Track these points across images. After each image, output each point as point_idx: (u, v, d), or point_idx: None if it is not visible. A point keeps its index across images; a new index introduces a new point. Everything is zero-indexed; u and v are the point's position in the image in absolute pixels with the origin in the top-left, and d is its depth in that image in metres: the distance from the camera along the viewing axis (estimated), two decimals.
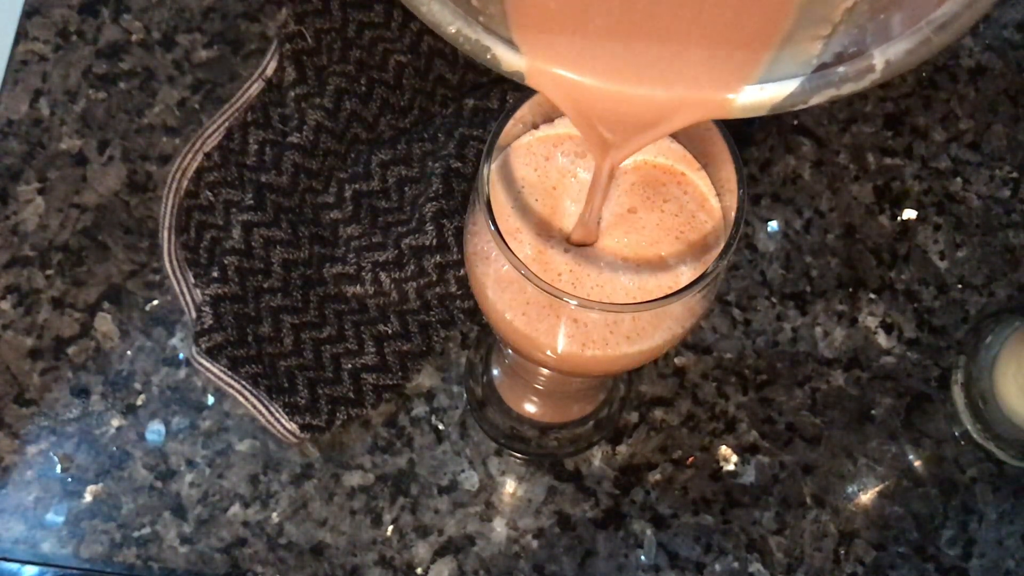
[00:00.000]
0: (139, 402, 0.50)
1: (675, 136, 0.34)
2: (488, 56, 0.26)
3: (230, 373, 0.47)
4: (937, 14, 0.22)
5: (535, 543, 0.48)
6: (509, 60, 0.26)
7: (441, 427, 0.50)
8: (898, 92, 0.57)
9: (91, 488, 0.49)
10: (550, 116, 0.34)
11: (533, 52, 0.26)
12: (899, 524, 0.49)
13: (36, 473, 0.49)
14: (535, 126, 0.35)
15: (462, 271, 0.49)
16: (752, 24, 0.24)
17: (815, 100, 0.25)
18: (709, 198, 0.34)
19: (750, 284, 0.53)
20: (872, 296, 0.53)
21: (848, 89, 0.24)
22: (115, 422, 0.50)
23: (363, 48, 0.53)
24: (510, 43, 0.26)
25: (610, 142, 0.28)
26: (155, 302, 0.52)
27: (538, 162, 0.34)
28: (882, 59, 0.23)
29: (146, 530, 0.48)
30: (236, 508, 0.48)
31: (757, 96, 0.26)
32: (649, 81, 0.26)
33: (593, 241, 0.33)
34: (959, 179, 0.55)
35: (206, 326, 0.48)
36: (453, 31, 0.26)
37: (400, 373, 0.49)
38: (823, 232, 0.54)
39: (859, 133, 0.56)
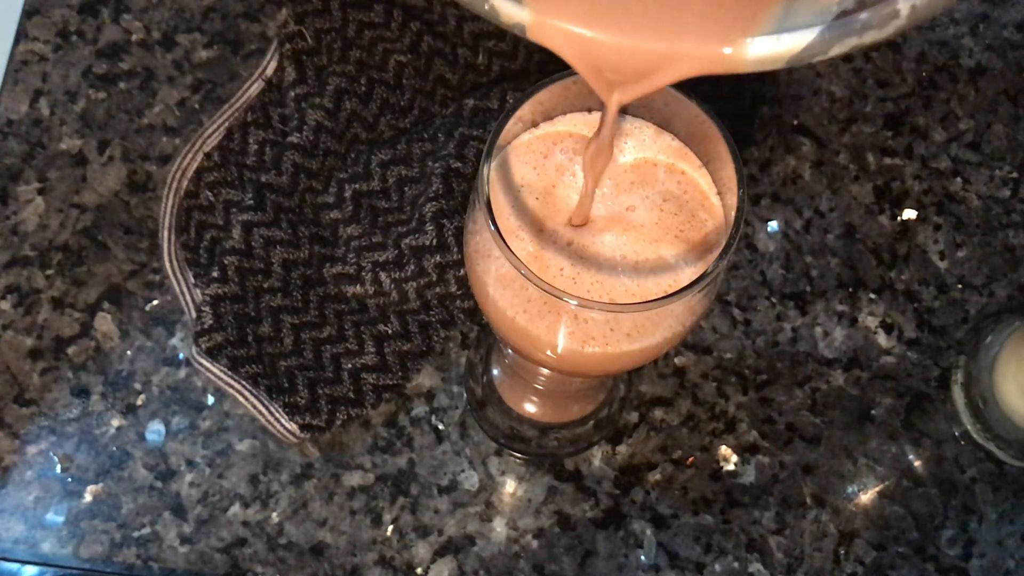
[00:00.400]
0: (139, 402, 0.50)
1: (675, 133, 0.34)
2: (486, 7, 0.25)
3: (230, 373, 0.47)
4: None
5: (535, 543, 0.48)
6: (509, 11, 0.25)
7: (441, 427, 0.50)
8: (898, 92, 0.57)
9: (91, 488, 0.49)
10: (550, 114, 0.34)
11: (537, 4, 0.25)
12: (899, 524, 0.49)
13: (36, 473, 0.49)
14: (535, 124, 0.35)
15: (462, 271, 0.49)
16: None
17: (836, 50, 0.24)
18: (710, 196, 0.34)
19: (750, 284, 0.53)
20: (872, 296, 0.53)
21: (871, 38, 0.23)
22: (115, 422, 0.50)
23: (363, 48, 0.54)
24: None
25: (616, 83, 0.27)
26: (155, 302, 0.52)
27: (537, 160, 0.34)
28: (907, 3, 0.22)
29: (146, 530, 0.48)
30: (236, 508, 0.48)
31: (772, 48, 0.24)
32: (652, 34, 0.25)
33: (605, 164, 0.31)
34: (959, 179, 0.55)
35: (206, 326, 0.48)
36: None
37: (400, 373, 0.49)
38: (823, 232, 0.54)
39: (859, 133, 0.56)
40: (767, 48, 0.24)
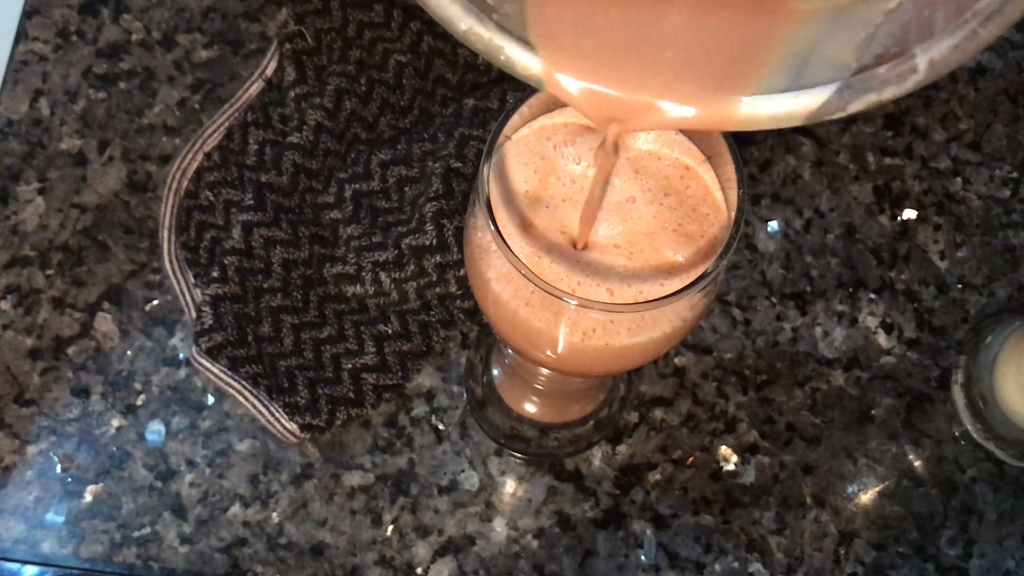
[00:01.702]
0: (139, 402, 0.50)
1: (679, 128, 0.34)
2: (502, 57, 0.25)
3: (230, 373, 0.47)
4: (983, 4, 0.21)
5: (535, 543, 0.48)
6: (525, 63, 0.25)
7: (441, 427, 0.50)
8: None
9: (91, 488, 0.49)
10: (549, 107, 0.34)
11: (555, 62, 0.25)
12: (899, 524, 0.49)
13: (36, 473, 0.49)
14: (533, 118, 0.35)
15: (462, 271, 0.49)
16: (746, 43, 0.24)
17: (855, 107, 0.23)
18: (713, 191, 0.34)
19: (750, 284, 0.53)
20: (872, 296, 0.53)
21: (890, 93, 0.23)
22: (115, 422, 0.50)
23: (363, 48, 0.54)
24: (525, 42, 0.25)
25: (620, 127, 0.27)
26: (155, 302, 0.52)
27: (538, 153, 0.34)
28: (925, 58, 0.22)
29: (146, 530, 0.48)
30: (236, 508, 0.48)
31: (790, 105, 0.24)
32: (659, 92, 0.25)
33: (594, 218, 0.32)
34: (959, 179, 0.55)
35: (206, 326, 0.48)
36: (464, 28, 0.25)
37: (400, 373, 0.49)
38: (823, 232, 0.54)
39: (859, 133, 0.56)
40: (784, 106, 0.24)
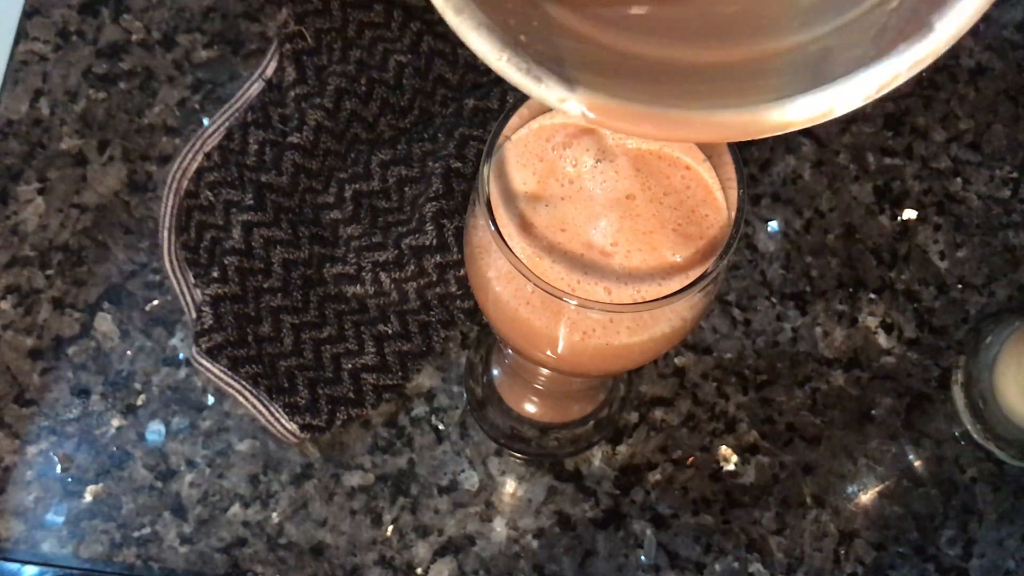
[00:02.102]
0: (139, 402, 0.50)
1: None
2: (539, 90, 0.26)
3: (230, 373, 0.47)
4: None
5: (535, 543, 0.48)
6: (561, 96, 0.26)
7: (441, 427, 0.50)
8: (898, 92, 0.57)
9: (91, 488, 0.49)
10: (549, 108, 0.34)
11: (594, 109, 0.25)
12: (899, 524, 0.49)
13: (36, 473, 0.49)
14: (533, 118, 0.35)
15: (462, 271, 0.49)
16: (754, 70, 0.24)
17: (882, 89, 0.24)
18: (714, 191, 0.34)
19: (750, 284, 0.53)
20: (872, 296, 0.53)
21: (914, 69, 0.24)
22: (115, 422, 0.50)
23: (363, 48, 0.54)
24: (560, 75, 0.25)
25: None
26: (155, 302, 0.52)
27: (543, 151, 0.34)
28: (943, 22, 0.23)
29: (146, 530, 0.48)
30: (236, 508, 0.48)
31: (822, 104, 0.24)
32: (696, 131, 0.26)
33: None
34: (959, 179, 0.55)
35: (206, 326, 0.48)
36: (502, 61, 0.25)
37: (400, 373, 0.49)
38: (823, 232, 0.54)
39: (859, 133, 0.56)
40: (812, 108, 0.24)
